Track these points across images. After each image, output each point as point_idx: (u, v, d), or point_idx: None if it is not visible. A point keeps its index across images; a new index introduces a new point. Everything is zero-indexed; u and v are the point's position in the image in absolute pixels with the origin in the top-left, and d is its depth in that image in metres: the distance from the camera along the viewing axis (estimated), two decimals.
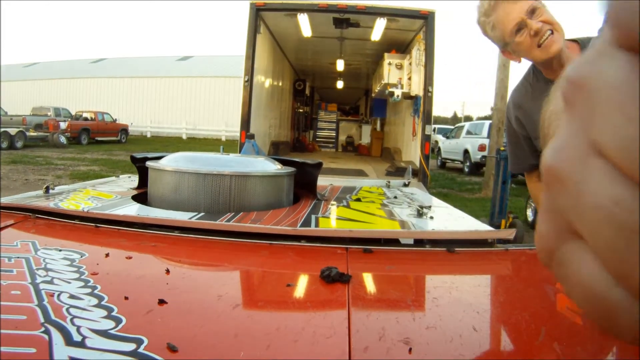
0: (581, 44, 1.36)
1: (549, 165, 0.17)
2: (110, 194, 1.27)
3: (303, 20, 5.83)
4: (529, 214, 6.56)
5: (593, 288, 0.16)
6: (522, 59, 1.40)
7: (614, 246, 0.15)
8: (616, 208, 0.15)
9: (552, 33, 1.28)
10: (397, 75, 5.87)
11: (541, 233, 0.18)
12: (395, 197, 1.51)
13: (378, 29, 5.95)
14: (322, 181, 1.60)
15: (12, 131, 13.84)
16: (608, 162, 0.15)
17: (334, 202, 1.32)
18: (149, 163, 1.24)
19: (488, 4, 1.34)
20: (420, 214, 1.14)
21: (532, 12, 1.29)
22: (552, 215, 0.18)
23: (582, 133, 0.16)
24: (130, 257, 0.78)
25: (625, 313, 0.15)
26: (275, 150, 6.85)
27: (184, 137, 23.63)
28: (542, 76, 1.43)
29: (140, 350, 0.46)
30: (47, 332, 0.49)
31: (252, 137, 4.09)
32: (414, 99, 5.48)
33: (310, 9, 5.43)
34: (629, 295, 0.15)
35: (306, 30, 6.29)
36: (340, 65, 8.67)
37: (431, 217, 1.12)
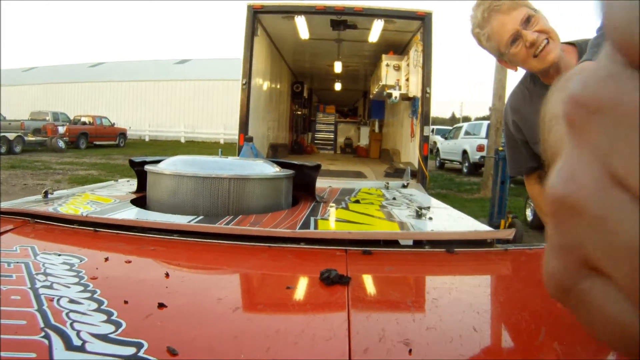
0: (578, 47, 1.36)
1: (560, 194, 0.16)
2: (109, 198, 1.27)
3: (300, 22, 5.84)
4: (528, 213, 6.57)
5: (623, 326, 0.15)
6: (519, 68, 1.40)
7: None
8: None
9: (548, 42, 1.28)
10: (395, 77, 5.88)
11: (553, 270, 0.17)
12: (394, 199, 1.51)
13: (375, 31, 5.97)
14: (321, 183, 1.60)
15: (11, 136, 13.84)
16: (635, 195, 0.14)
17: (333, 204, 1.32)
18: (147, 167, 1.24)
19: (481, 16, 1.33)
20: (419, 215, 1.14)
21: (527, 21, 1.28)
22: (564, 250, 0.16)
23: (598, 161, 0.15)
24: (129, 261, 0.78)
25: None
26: (274, 153, 6.86)
27: (183, 140, 23.63)
28: (539, 81, 1.43)
29: (140, 354, 0.46)
30: (47, 336, 0.49)
31: (250, 139, 4.10)
32: (412, 100, 5.49)
33: (307, 11, 5.44)
34: None
35: (303, 32, 6.30)
36: (338, 67, 8.68)
37: (430, 218, 1.12)
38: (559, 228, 0.16)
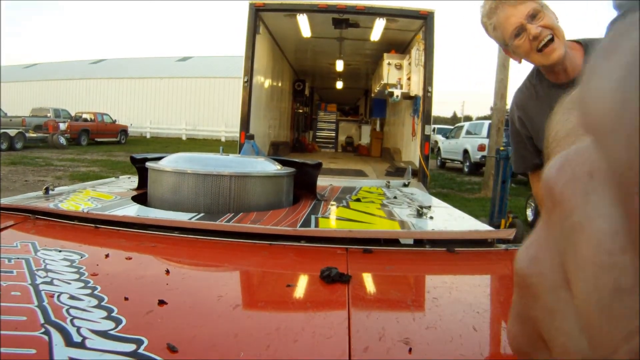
0: (584, 45, 1.36)
1: (524, 273, 0.16)
2: (110, 195, 1.27)
3: (302, 20, 5.83)
4: (529, 213, 6.56)
5: None
6: (523, 60, 1.41)
7: None
8: (578, 355, 0.14)
9: (553, 39, 1.29)
10: (397, 76, 5.87)
11: (515, 334, 0.18)
12: (395, 197, 1.51)
13: (377, 29, 5.96)
14: (322, 181, 1.60)
15: (12, 132, 13.83)
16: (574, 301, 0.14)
17: (334, 203, 1.32)
18: (148, 164, 1.24)
19: (489, 6, 1.36)
20: (420, 214, 1.14)
21: (533, 16, 1.30)
22: (525, 320, 0.17)
23: (555, 251, 0.15)
24: (130, 258, 0.78)
25: None
26: (275, 151, 6.85)
27: (184, 137, 23.63)
28: (544, 78, 1.43)
29: (140, 350, 0.46)
30: (47, 332, 0.49)
31: (251, 137, 4.08)
32: (414, 99, 5.48)
33: (309, 10, 5.43)
34: None
35: (305, 30, 6.29)
36: (339, 65, 8.67)
37: (431, 217, 1.12)
38: (522, 299, 0.17)
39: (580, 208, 0.14)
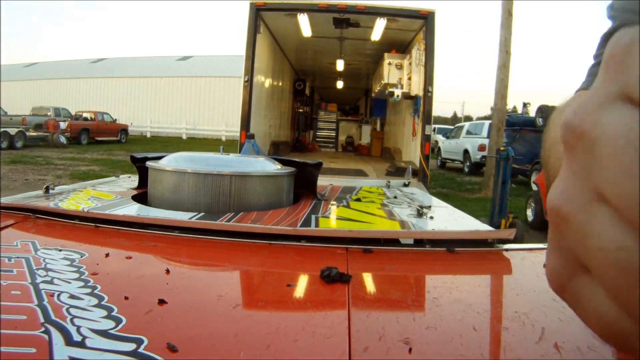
0: None
1: (556, 206, 0.19)
2: (110, 194, 1.27)
3: (303, 20, 5.83)
4: (529, 213, 6.56)
5: (605, 319, 0.17)
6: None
7: (619, 285, 0.16)
8: (620, 252, 0.16)
9: None
10: (397, 75, 5.87)
11: (552, 268, 0.20)
12: (395, 197, 1.51)
13: (378, 29, 5.96)
14: (322, 181, 1.60)
15: (12, 131, 13.84)
16: (610, 208, 0.16)
17: (334, 202, 1.32)
18: (149, 163, 1.24)
19: None
20: (420, 214, 1.14)
21: None
22: (561, 252, 0.19)
23: (584, 178, 0.18)
24: (130, 257, 0.78)
25: (636, 339, 0.17)
26: (275, 150, 6.85)
27: (184, 137, 23.65)
28: None
29: (140, 350, 0.46)
30: (47, 332, 0.49)
31: (252, 137, 4.09)
32: (414, 99, 5.49)
33: (310, 9, 5.43)
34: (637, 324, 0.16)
35: (306, 30, 6.29)
36: (340, 65, 8.68)
37: (431, 217, 1.12)
38: (556, 233, 0.19)
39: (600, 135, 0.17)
